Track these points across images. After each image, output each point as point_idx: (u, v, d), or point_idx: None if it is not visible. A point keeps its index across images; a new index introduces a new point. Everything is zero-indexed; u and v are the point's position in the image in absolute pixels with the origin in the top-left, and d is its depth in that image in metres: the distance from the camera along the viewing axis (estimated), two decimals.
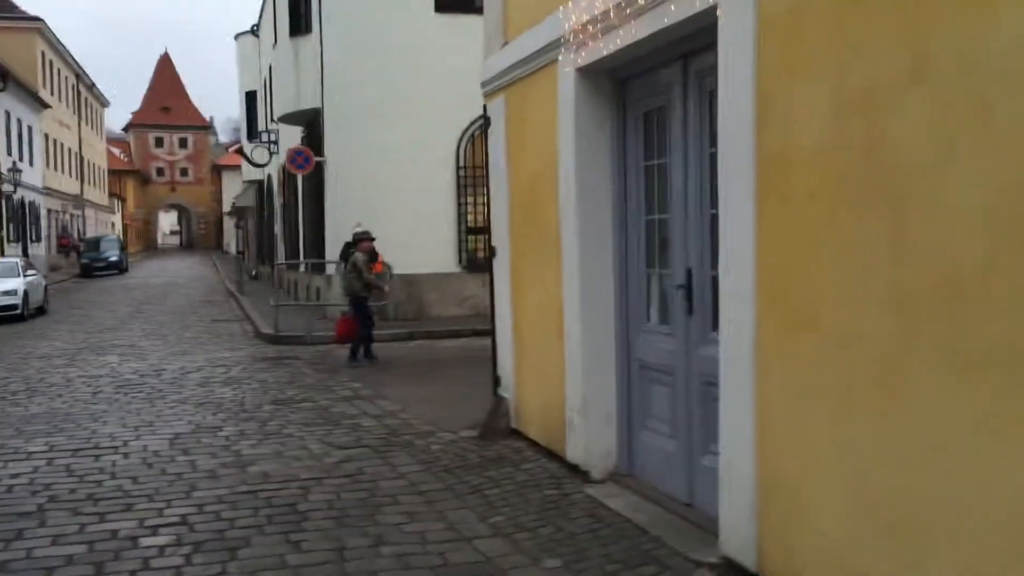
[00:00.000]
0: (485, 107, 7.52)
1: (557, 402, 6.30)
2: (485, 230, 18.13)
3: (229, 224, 65.22)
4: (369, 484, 6.15)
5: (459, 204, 17.63)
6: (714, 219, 4.83)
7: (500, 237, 7.35)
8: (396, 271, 16.07)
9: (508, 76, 6.90)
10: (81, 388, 10.64)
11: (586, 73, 5.75)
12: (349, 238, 15.91)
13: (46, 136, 42.92)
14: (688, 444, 5.18)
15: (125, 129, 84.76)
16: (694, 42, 4.89)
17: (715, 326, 4.88)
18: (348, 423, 8.29)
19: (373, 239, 13.34)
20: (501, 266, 7.34)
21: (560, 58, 5.93)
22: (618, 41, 5.18)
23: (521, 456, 6.64)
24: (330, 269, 17.72)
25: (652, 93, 5.50)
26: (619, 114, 5.80)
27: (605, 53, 5.37)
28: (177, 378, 11.39)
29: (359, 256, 12.86)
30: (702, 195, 4.97)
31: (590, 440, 5.92)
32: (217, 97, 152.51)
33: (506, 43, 7.02)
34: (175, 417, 8.69)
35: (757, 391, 4.04)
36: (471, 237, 17.73)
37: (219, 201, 76.14)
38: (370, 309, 13.12)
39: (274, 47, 20.85)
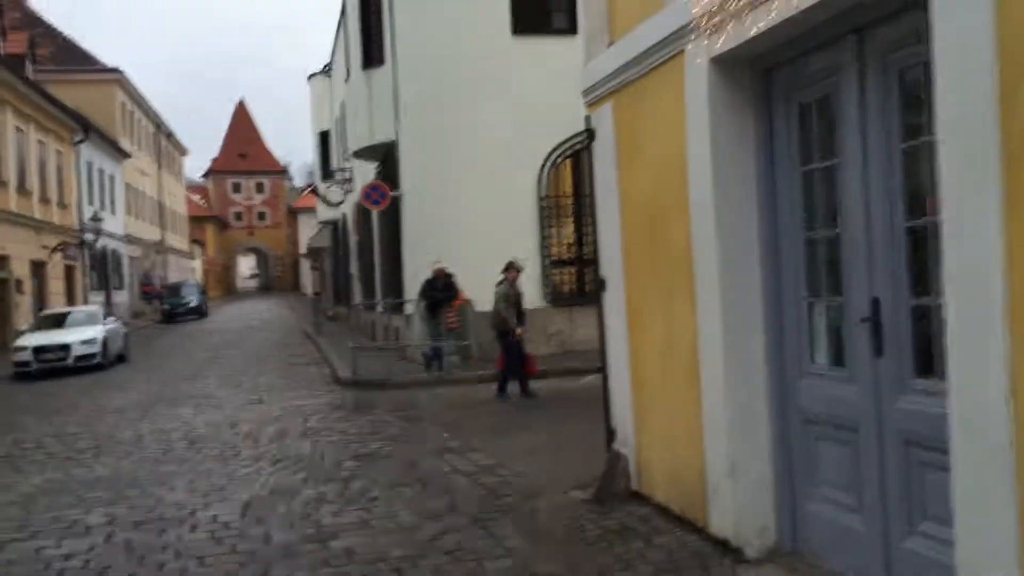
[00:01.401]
0: (588, 119, 6.55)
1: (693, 462, 5.22)
2: (571, 262, 17.36)
3: (305, 266, 65.67)
4: (473, 565, 5.14)
5: (542, 236, 16.68)
6: (913, 233, 3.77)
7: (611, 265, 6.33)
8: (479, 308, 15.14)
9: (617, 79, 5.92)
10: (151, 446, 9.91)
11: (722, 63, 4.73)
12: (428, 275, 15.12)
13: (127, 185, 43.58)
14: (882, 520, 4.05)
15: (204, 176, 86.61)
16: (873, 11, 3.85)
17: (921, 370, 3.79)
18: (439, 483, 7.31)
19: (520, 270, 12.60)
20: (613, 299, 6.32)
21: (689, 48, 4.93)
22: (770, 17, 4.16)
23: (650, 527, 5.56)
24: (409, 308, 16.91)
25: (810, 81, 4.46)
26: (764, 110, 4.77)
27: (750, 35, 4.36)
28: (252, 431, 10.59)
29: (501, 290, 12.24)
30: (892, 204, 3.89)
31: (741, 510, 4.82)
32: (293, 142, 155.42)
33: (612, 42, 6.06)
34: (248, 479, 7.83)
35: (1019, 461, 2.93)
36: (556, 270, 16.75)
37: (295, 243, 77.01)
38: (518, 343, 12.19)
39: (347, 81, 20.35)
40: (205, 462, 8.76)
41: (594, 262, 17.36)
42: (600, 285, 6.52)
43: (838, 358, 4.41)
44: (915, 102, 3.77)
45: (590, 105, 6.49)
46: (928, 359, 3.77)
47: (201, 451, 9.38)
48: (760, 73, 4.77)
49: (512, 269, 12.42)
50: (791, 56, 4.51)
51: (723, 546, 4.91)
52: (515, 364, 12.09)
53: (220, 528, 6.22)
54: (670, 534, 5.37)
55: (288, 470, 8.12)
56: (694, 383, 5.15)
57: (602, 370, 6.66)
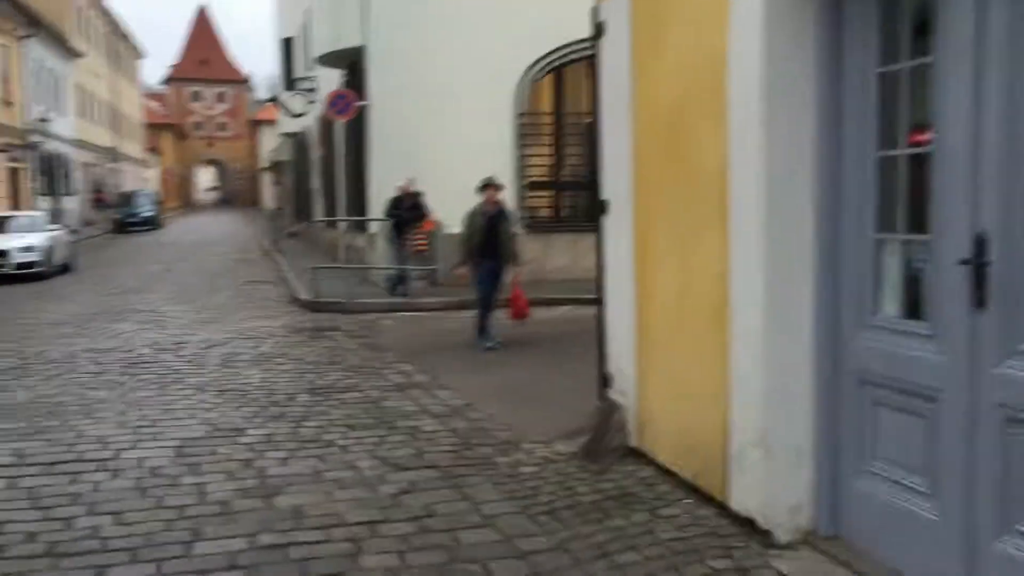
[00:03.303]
0: (595, 10, 5.52)
1: (712, 422, 4.38)
2: (548, 185, 16.31)
3: (266, 180, 63.81)
4: (445, 537, 4.28)
5: (519, 156, 15.58)
6: None
7: (616, 186, 5.39)
8: (447, 230, 14.17)
9: None
10: (83, 367, 8.90)
11: None
12: (394, 192, 14.08)
13: (78, 86, 41.35)
14: (965, 512, 3.25)
15: (163, 83, 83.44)
16: None
17: None
18: (405, 426, 6.44)
19: (498, 187, 10.11)
20: (618, 226, 5.38)
21: None
22: None
23: (655, 493, 4.73)
24: (373, 228, 15.87)
25: None
26: None
27: None
28: (198, 354, 9.62)
29: (467, 212, 10.00)
30: (1017, 112, 2.99)
31: (772, 485, 4.00)
32: (256, 54, 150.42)
33: None
34: (187, 413, 6.90)
35: None
36: (532, 193, 15.74)
37: (256, 157, 74.79)
38: (493, 275, 9.94)
39: None
40: (140, 389, 7.80)
41: (574, 186, 16.15)
42: (601, 208, 5.58)
43: (914, 310, 3.54)
44: None
45: None
46: None
47: (138, 376, 8.40)
48: None
49: (490, 187, 10.07)
50: None
51: (748, 525, 4.10)
52: (485, 299, 9.94)
53: (146, 475, 5.29)
54: (679, 505, 4.55)
55: (233, 403, 7.19)
56: (720, 330, 4.27)
57: (598, 305, 5.76)
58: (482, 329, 9.96)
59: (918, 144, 3.47)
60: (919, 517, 3.47)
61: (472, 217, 9.89)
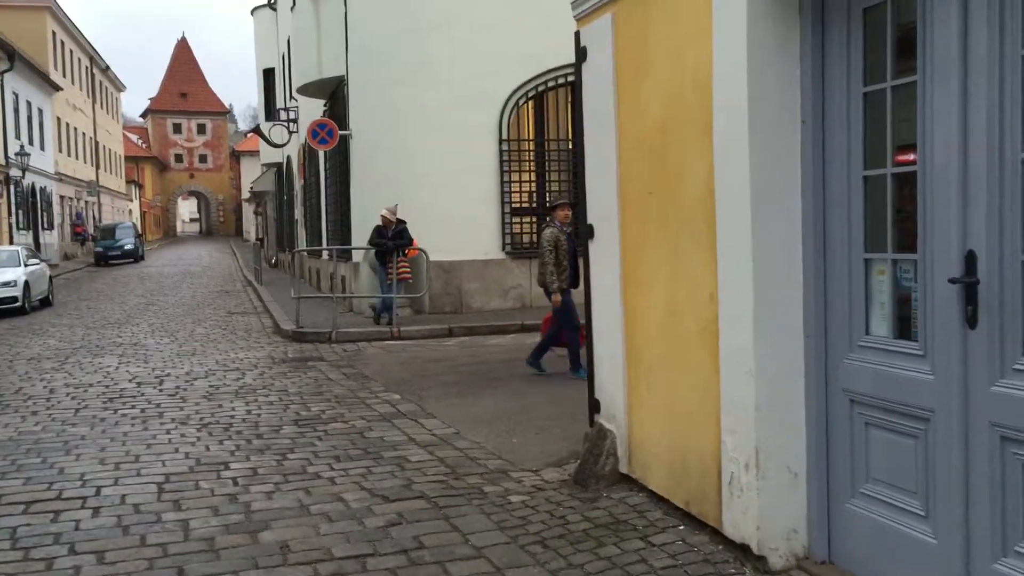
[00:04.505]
0: (578, 35, 5.52)
1: (703, 446, 4.33)
2: (533, 211, 16.24)
3: (248, 211, 63.71)
4: (436, 569, 4.19)
5: (502, 182, 15.59)
6: None
7: (601, 210, 5.36)
8: (433, 258, 14.14)
9: None
10: (63, 402, 8.77)
11: None
12: (378, 221, 14.04)
13: (58, 120, 41.21)
14: (963, 534, 3.20)
15: (143, 115, 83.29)
16: None
17: None
18: (392, 456, 6.36)
19: (572, 205, 9.27)
20: (603, 250, 5.35)
21: None
22: None
23: (647, 521, 4.67)
24: (357, 256, 15.81)
25: None
26: (816, 15, 3.80)
27: None
28: (180, 387, 9.51)
29: (547, 234, 9.29)
30: (1004, 129, 2.98)
31: (766, 509, 3.94)
32: (235, 86, 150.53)
33: None
34: (170, 447, 6.78)
35: None
36: (515, 219, 15.74)
37: (238, 188, 74.63)
38: (569, 304, 9.33)
39: (292, 10, 18.88)
40: (122, 424, 7.68)
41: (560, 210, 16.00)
42: (587, 233, 5.56)
43: (904, 329, 3.52)
44: None
45: (582, 19, 5.46)
46: None
47: (119, 411, 8.28)
48: None
49: (562, 206, 9.39)
50: None
51: (741, 551, 4.04)
52: (568, 330, 9.30)
53: (129, 512, 5.18)
54: (672, 531, 4.49)
55: (216, 437, 7.09)
56: (709, 352, 4.24)
57: (587, 331, 5.72)
58: (576, 357, 9.11)
59: (904, 163, 3.46)
60: (915, 540, 3.42)
61: (556, 240, 9.17)
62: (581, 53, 5.47)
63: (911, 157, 3.42)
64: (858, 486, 3.75)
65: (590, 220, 5.53)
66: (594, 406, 5.61)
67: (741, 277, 3.94)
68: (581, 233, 5.71)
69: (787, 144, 3.86)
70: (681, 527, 4.51)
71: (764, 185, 3.86)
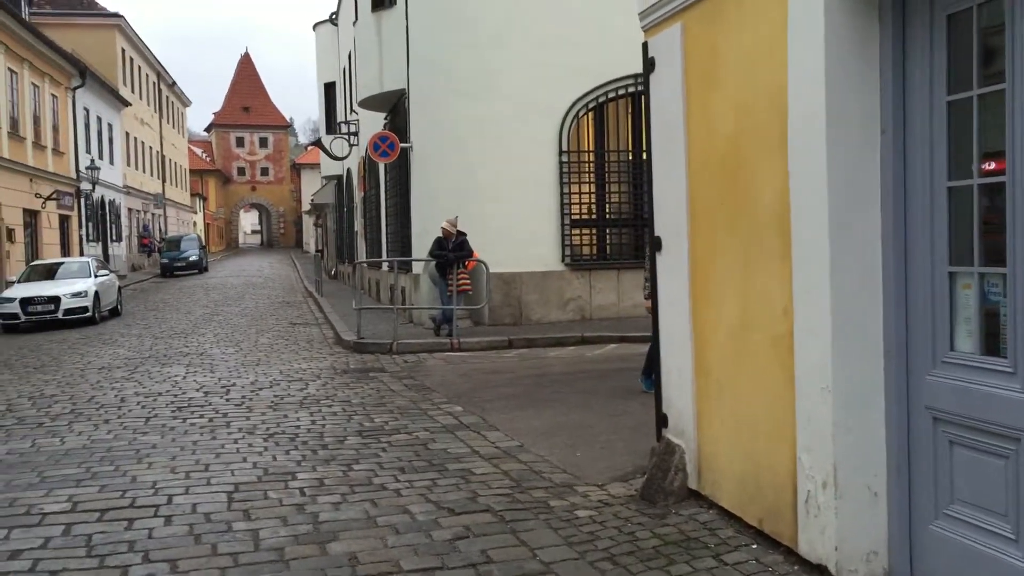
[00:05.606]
0: (645, 45, 5.48)
1: (778, 464, 4.24)
2: (591, 223, 16.18)
3: (308, 223, 64.72)
4: None
5: (562, 194, 15.58)
6: None
7: (670, 222, 5.30)
8: (492, 269, 14.16)
9: None
10: (134, 411, 8.96)
11: None
12: (438, 233, 14.11)
13: (126, 134, 42.35)
14: None
15: (207, 129, 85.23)
16: None
17: None
18: (456, 468, 6.35)
19: None
20: (672, 262, 5.29)
21: None
22: None
23: (718, 538, 4.59)
24: (417, 268, 15.91)
25: None
26: (897, 23, 3.71)
27: None
28: (246, 397, 9.65)
29: None
30: None
31: (845, 529, 3.84)
32: (296, 100, 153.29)
33: None
34: (238, 456, 6.88)
35: None
36: (575, 231, 15.69)
37: (299, 200, 75.96)
38: None
39: (355, 24, 19.13)
40: (191, 433, 7.81)
41: (617, 223, 16.11)
42: (655, 246, 5.50)
43: (992, 346, 3.40)
44: None
45: (649, 29, 5.42)
46: None
47: (188, 420, 8.43)
48: None
49: None
50: None
51: (819, 572, 3.94)
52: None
53: (200, 521, 5.25)
54: (745, 550, 4.40)
55: (283, 447, 7.16)
56: (782, 367, 4.15)
57: (654, 343, 5.65)
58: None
59: (991, 173, 3.35)
60: (1004, 564, 3.30)
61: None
62: (649, 64, 5.43)
63: (994, 166, 3.31)
64: (942, 507, 3.63)
65: (657, 232, 5.48)
66: (662, 420, 5.54)
67: (818, 291, 3.86)
68: (649, 246, 5.65)
69: (866, 155, 3.76)
70: (754, 546, 4.42)
71: (842, 197, 3.77)
